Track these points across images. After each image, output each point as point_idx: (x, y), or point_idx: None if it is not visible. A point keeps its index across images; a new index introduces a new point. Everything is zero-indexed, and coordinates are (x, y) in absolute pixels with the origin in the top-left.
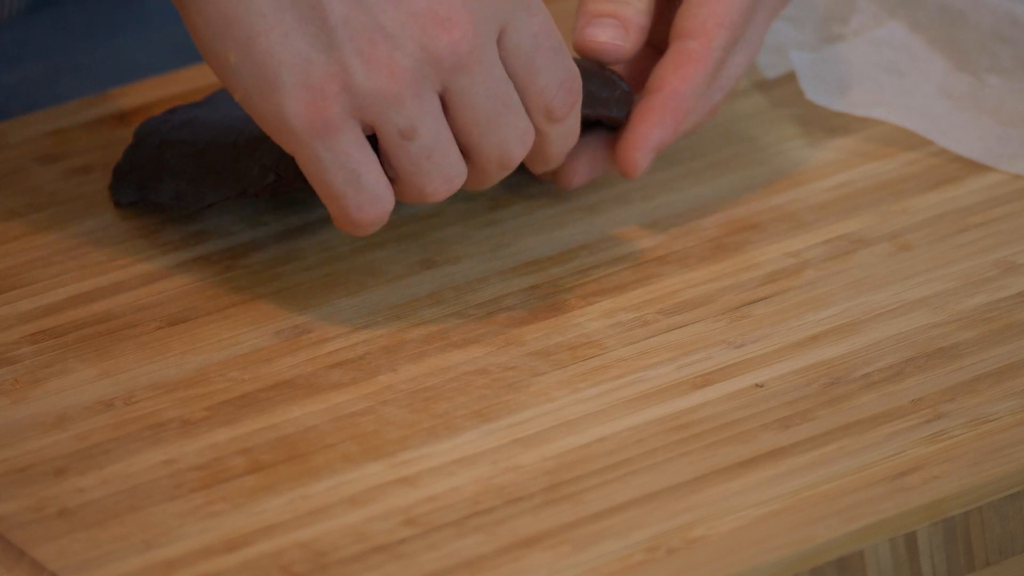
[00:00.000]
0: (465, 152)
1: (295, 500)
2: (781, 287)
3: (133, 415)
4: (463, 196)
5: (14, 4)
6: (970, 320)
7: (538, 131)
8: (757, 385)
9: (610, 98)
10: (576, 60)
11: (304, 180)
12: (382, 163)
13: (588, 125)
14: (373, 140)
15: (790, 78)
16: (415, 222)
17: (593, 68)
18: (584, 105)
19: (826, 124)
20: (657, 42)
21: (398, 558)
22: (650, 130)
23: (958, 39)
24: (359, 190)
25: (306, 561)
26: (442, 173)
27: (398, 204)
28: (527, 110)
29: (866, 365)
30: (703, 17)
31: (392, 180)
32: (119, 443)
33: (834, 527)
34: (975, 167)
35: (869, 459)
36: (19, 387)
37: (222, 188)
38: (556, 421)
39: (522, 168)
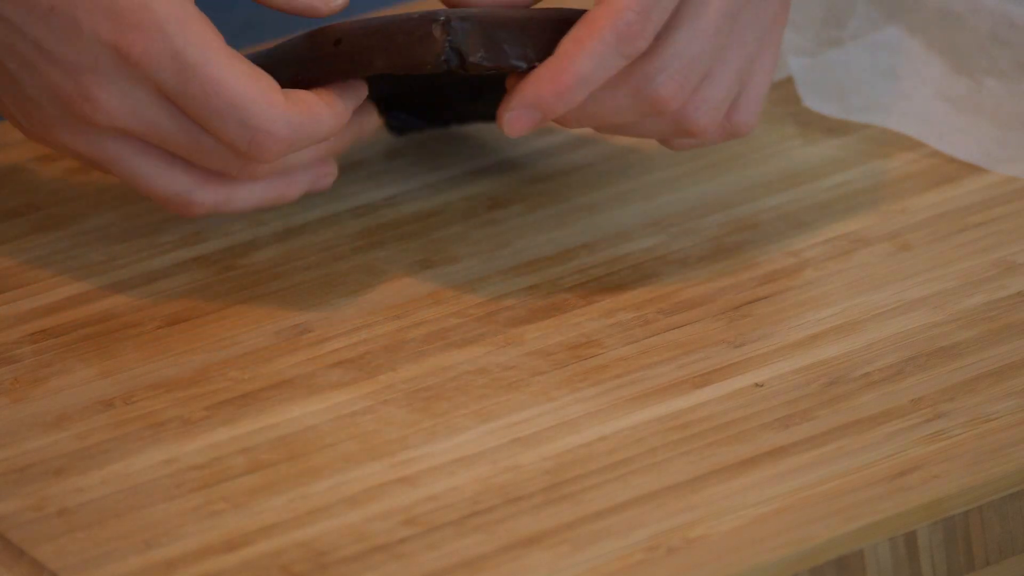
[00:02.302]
0: None
1: (295, 500)
2: (781, 287)
3: (133, 415)
4: (463, 196)
5: None
6: (970, 320)
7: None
8: (757, 385)
9: (513, 50)
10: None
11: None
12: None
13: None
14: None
15: (790, 78)
16: (415, 222)
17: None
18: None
19: (826, 124)
20: None
21: (398, 558)
22: (526, 88)
23: (956, 42)
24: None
25: (306, 561)
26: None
27: (398, 203)
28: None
29: (866, 365)
30: None
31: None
32: (119, 443)
33: (834, 527)
34: (975, 167)
35: (869, 459)
36: (19, 387)
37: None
38: (556, 421)
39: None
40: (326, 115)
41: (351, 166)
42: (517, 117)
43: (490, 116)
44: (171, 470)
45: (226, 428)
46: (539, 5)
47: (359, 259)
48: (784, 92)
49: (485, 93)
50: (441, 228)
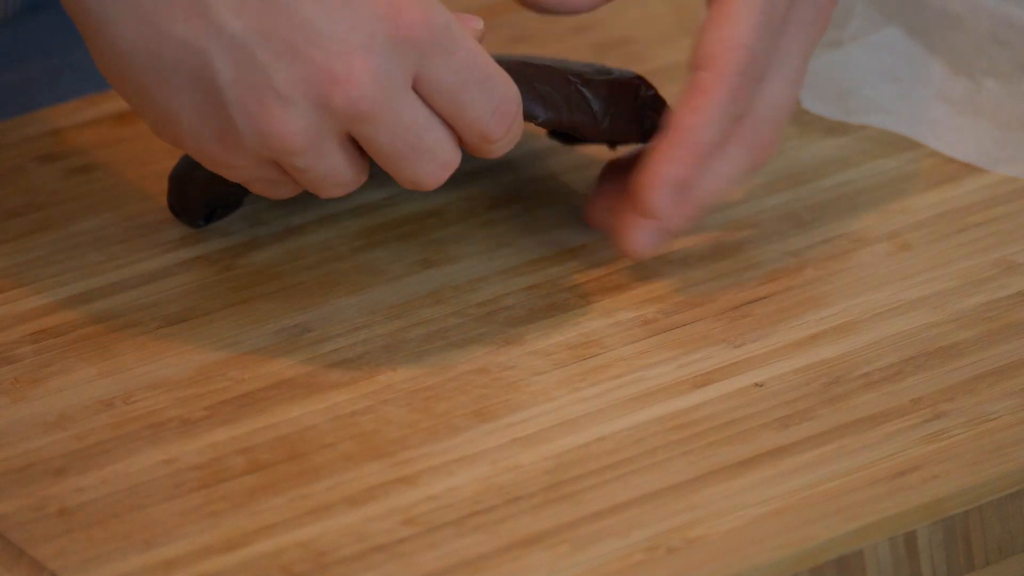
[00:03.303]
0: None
1: (295, 500)
2: (781, 286)
3: (133, 414)
4: (463, 196)
5: (14, 4)
6: (970, 319)
7: (477, 148)
8: (757, 384)
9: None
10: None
11: None
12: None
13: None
14: None
15: None
16: (415, 222)
17: (622, 85)
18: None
19: (826, 124)
20: None
21: (398, 558)
22: (661, 167)
23: (955, 43)
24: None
25: (306, 561)
26: (345, 188)
27: (398, 202)
28: (461, 137)
29: (866, 364)
30: (712, 42)
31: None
32: (119, 442)
33: (834, 527)
34: (975, 167)
35: (869, 458)
36: (19, 386)
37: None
38: (556, 420)
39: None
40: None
41: None
42: (660, 196)
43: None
44: (171, 470)
45: (226, 428)
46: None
47: (359, 259)
48: None
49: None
50: (441, 228)
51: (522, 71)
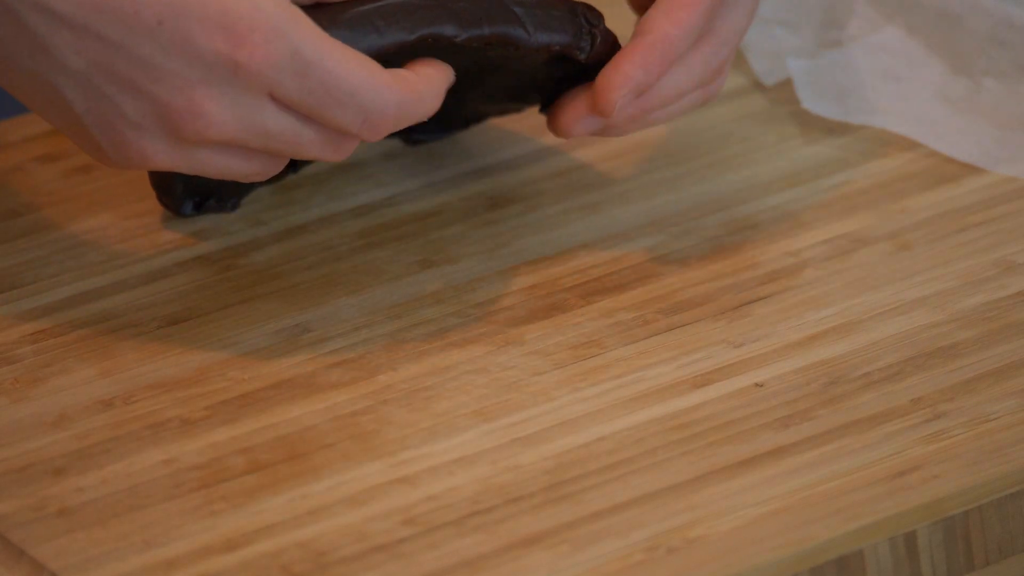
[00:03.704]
0: None
1: (295, 500)
2: (781, 286)
3: (133, 414)
4: (463, 196)
5: None
6: (970, 319)
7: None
8: (757, 384)
9: (576, 39)
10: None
11: None
12: None
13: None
14: None
15: (789, 79)
16: (415, 222)
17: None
18: (545, 33)
19: (826, 124)
20: None
21: (398, 558)
22: (633, 69)
23: (955, 43)
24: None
25: (306, 561)
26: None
27: (398, 203)
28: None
29: (866, 364)
30: None
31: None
32: (119, 442)
33: (834, 527)
34: (975, 167)
35: (868, 458)
36: (19, 386)
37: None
38: (556, 421)
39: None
40: (427, 94)
41: (351, 166)
42: (622, 97)
43: (504, 111)
44: (171, 470)
45: (226, 428)
46: None
47: (359, 259)
48: (784, 92)
49: (497, 91)
50: (441, 228)
51: None
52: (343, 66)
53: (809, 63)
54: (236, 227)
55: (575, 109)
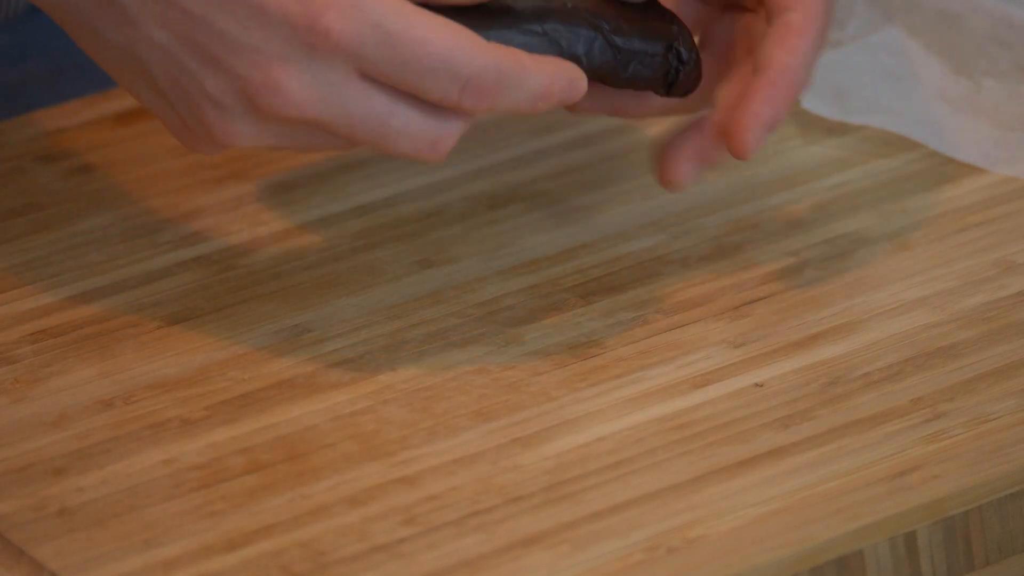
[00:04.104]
0: None
1: (295, 500)
2: (781, 287)
3: (133, 414)
4: (463, 196)
5: (15, 5)
6: (970, 319)
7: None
8: (757, 385)
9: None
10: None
11: None
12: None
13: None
14: None
15: None
16: (415, 222)
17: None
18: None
19: (826, 124)
20: None
21: (398, 557)
22: (762, 108)
23: (955, 43)
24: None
25: (306, 560)
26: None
27: (398, 203)
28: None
29: (866, 365)
30: None
31: None
32: (119, 442)
33: (834, 527)
34: (975, 167)
35: (869, 458)
36: (19, 386)
37: None
38: (556, 421)
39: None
40: (533, 68)
41: (351, 166)
42: (757, 138)
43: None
44: (171, 470)
45: (226, 428)
46: None
47: (359, 259)
48: None
49: None
50: (441, 228)
51: (532, 10)
52: (432, 32)
53: None
54: (236, 227)
55: (686, 155)
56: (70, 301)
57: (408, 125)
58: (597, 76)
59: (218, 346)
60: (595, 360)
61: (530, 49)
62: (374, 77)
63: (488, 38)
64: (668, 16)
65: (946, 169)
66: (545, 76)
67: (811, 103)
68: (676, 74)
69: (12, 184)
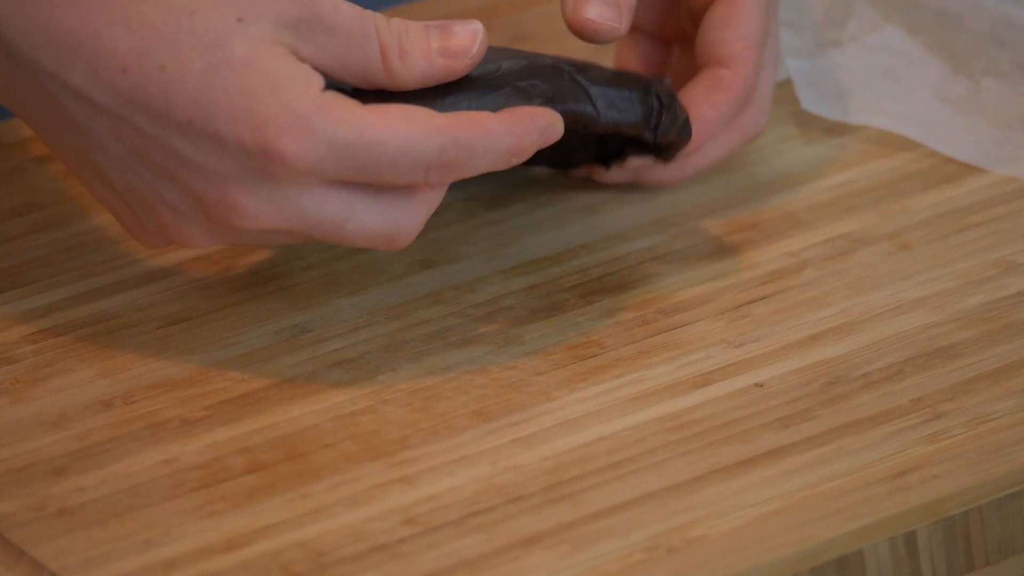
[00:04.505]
0: None
1: (295, 500)
2: (781, 287)
3: (133, 414)
4: (463, 196)
5: None
6: (970, 319)
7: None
8: (757, 385)
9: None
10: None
11: None
12: None
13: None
14: None
15: (789, 80)
16: None
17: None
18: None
19: (826, 124)
20: (659, 32)
21: (398, 557)
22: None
23: (955, 43)
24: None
25: (306, 560)
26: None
27: None
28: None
29: (866, 365)
30: (730, 41)
31: None
32: (119, 442)
33: (834, 527)
34: (975, 167)
35: (868, 458)
36: (19, 386)
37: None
38: (556, 421)
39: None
40: (499, 131)
41: None
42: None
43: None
44: (171, 470)
45: (226, 428)
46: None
47: (359, 259)
48: (784, 92)
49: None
50: (441, 228)
51: (499, 71)
52: (386, 130)
53: (809, 63)
54: None
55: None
56: (70, 301)
57: (364, 227)
58: (573, 119)
59: (218, 346)
60: (595, 360)
61: (497, 106)
62: (335, 182)
63: (446, 106)
64: (640, 74)
65: (946, 169)
66: (513, 136)
67: (811, 103)
68: (659, 117)
69: (12, 184)
